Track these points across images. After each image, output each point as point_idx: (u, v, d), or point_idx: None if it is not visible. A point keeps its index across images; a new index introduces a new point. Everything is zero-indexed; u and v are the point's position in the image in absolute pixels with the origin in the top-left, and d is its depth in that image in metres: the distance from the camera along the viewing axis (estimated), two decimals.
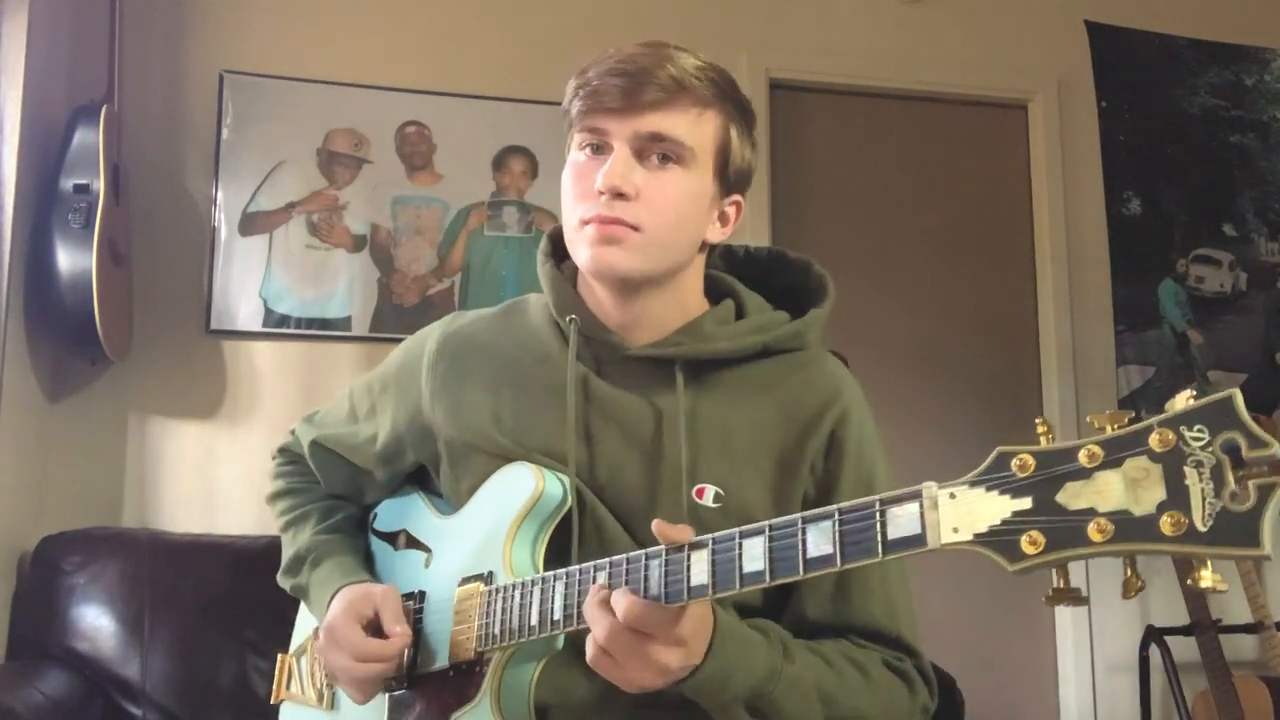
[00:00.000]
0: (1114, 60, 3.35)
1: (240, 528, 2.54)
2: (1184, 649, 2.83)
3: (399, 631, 1.11)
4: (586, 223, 1.08)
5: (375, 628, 1.14)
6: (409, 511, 1.28)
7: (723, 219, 1.15)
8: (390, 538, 1.29)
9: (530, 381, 1.16)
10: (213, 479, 2.61)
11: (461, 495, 1.17)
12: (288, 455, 1.41)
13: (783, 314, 1.18)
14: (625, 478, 1.10)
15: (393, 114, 2.83)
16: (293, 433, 1.40)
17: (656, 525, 0.93)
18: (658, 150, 1.07)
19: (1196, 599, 2.72)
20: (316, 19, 2.82)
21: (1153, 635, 2.89)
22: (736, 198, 1.16)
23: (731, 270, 1.23)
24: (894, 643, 1.12)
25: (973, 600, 2.93)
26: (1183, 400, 0.69)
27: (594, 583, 0.96)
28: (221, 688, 2.20)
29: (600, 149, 1.08)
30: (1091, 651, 3.05)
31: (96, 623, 2.21)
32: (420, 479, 1.30)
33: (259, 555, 2.35)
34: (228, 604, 2.26)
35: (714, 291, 1.20)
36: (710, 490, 1.08)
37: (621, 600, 0.91)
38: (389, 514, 1.31)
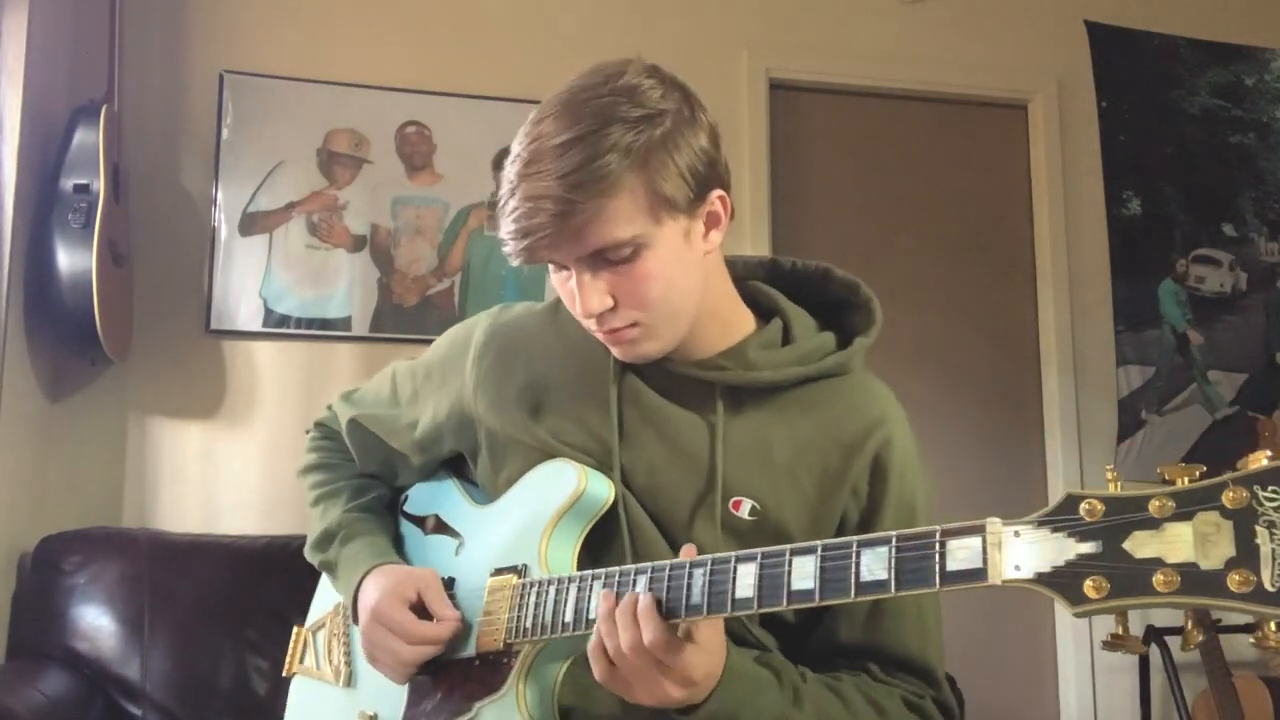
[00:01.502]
0: (1114, 60, 3.35)
1: (240, 528, 2.54)
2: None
3: (449, 615, 1.12)
4: (595, 331, 1.08)
5: (419, 610, 1.14)
6: (442, 497, 1.29)
7: (711, 222, 1.07)
8: (420, 521, 1.29)
9: (574, 380, 1.16)
10: (213, 479, 2.62)
11: (499, 486, 1.18)
12: (323, 430, 1.40)
13: (828, 338, 1.15)
14: (662, 484, 1.10)
15: (393, 114, 2.83)
16: (330, 408, 1.39)
17: (686, 550, 0.94)
18: (608, 257, 1.01)
19: None
20: (316, 19, 2.82)
21: (1153, 635, 2.88)
22: (712, 195, 1.06)
23: (778, 283, 1.20)
24: (921, 673, 1.10)
25: (973, 600, 2.93)
26: (1258, 459, 0.69)
27: (633, 587, 0.96)
28: (221, 688, 2.21)
29: (562, 266, 1.05)
30: (1091, 651, 3.06)
31: (96, 623, 2.21)
32: (455, 465, 1.31)
33: (259, 555, 2.35)
34: (228, 604, 2.27)
35: (761, 307, 1.17)
36: (747, 504, 1.08)
37: (649, 623, 0.91)
38: (421, 497, 1.32)
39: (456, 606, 1.15)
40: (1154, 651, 2.89)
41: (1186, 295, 3.31)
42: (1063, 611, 3.00)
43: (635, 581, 0.96)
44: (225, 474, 2.62)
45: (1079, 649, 3.05)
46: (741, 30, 3.09)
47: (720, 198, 1.07)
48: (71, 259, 2.30)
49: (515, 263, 1.03)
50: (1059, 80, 3.29)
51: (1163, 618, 2.93)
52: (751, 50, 3.07)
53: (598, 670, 0.95)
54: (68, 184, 2.35)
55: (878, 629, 1.09)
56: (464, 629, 1.13)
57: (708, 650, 0.94)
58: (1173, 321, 3.29)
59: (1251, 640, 0.70)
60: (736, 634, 1.08)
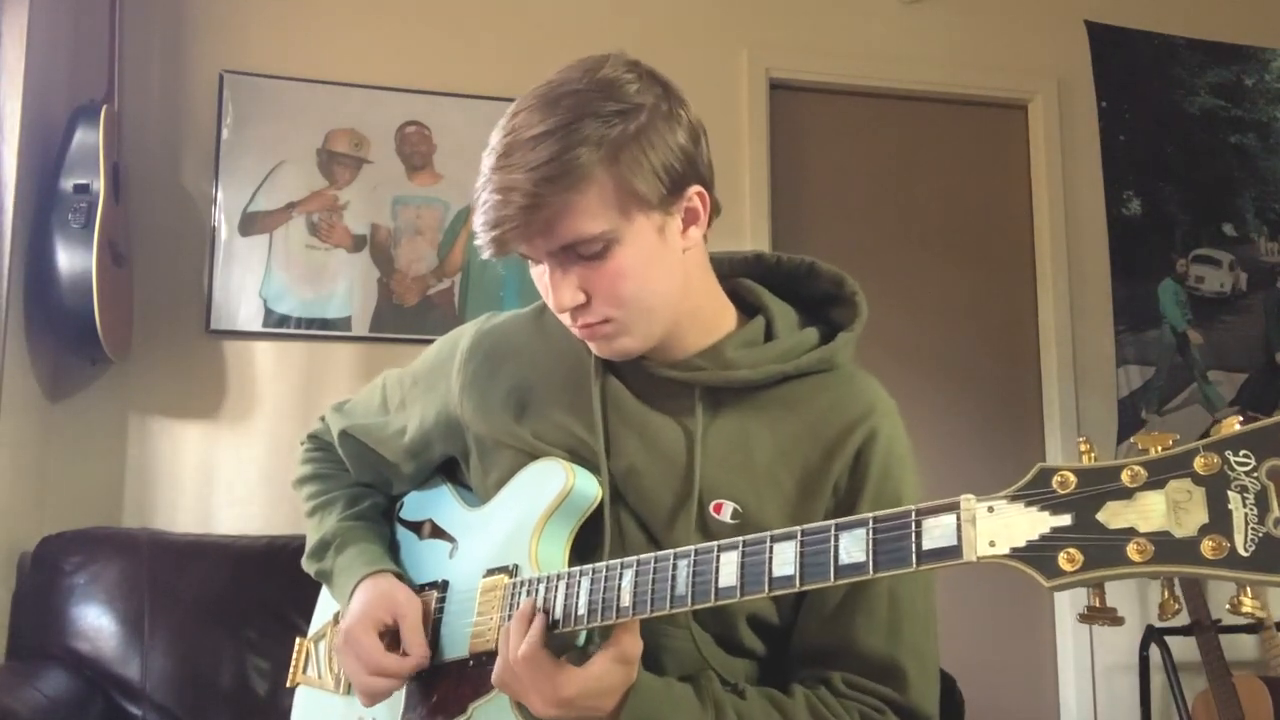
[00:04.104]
0: (1114, 60, 3.35)
1: (240, 528, 2.54)
2: (1184, 649, 2.82)
3: (417, 651, 1.12)
4: (571, 326, 1.07)
5: (394, 635, 1.14)
6: (436, 502, 1.29)
7: (689, 219, 1.06)
8: (415, 527, 1.30)
9: (558, 382, 1.16)
10: (213, 479, 2.62)
11: (489, 489, 1.18)
12: (316, 442, 1.40)
13: (810, 334, 1.13)
14: (643, 488, 1.09)
15: (393, 114, 2.83)
16: (322, 419, 1.39)
17: None
18: (579, 251, 1.00)
19: (1196, 599, 2.72)
20: (316, 19, 2.82)
21: (1153, 635, 2.89)
22: (689, 191, 1.05)
23: (766, 279, 1.19)
24: (887, 674, 1.05)
25: (973, 600, 2.93)
26: (1230, 425, 0.69)
27: (620, 580, 0.96)
28: (221, 688, 2.20)
29: (537, 260, 1.05)
30: (1091, 651, 3.06)
31: (96, 623, 2.21)
32: (449, 470, 1.31)
33: (259, 555, 2.35)
34: (228, 604, 2.26)
35: (744, 303, 1.16)
36: (728, 506, 1.06)
37: (523, 635, 0.96)
38: (415, 504, 1.32)
39: (445, 609, 1.15)
40: (1154, 651, 2.89)
41: (1186, 295, 3.32)
42: (1062, 610, 2.98)
43: (622, 575, 0.96)
44: (225, 474, 2.62)
45: (1079, 649, 3.05)
46: (741, 30, 3.09)
47: (699, 194, 1.06)
48: (71, 259, 2.30)
49: (486, 254, 1.03)
50: (1059, 80, 3.30)
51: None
52: (751, 50, 3.07)
53: (503, 683, 1.00)
54: (68, 184, 2.35)
55: (848, 625, 1.06)
56: (453, 632, 1.13)
57: (593, 676, 0.95)
58: (1173, 321, 3.29)
59: (1228, 606, 0.70)
60: (726, 638, 1.08)
